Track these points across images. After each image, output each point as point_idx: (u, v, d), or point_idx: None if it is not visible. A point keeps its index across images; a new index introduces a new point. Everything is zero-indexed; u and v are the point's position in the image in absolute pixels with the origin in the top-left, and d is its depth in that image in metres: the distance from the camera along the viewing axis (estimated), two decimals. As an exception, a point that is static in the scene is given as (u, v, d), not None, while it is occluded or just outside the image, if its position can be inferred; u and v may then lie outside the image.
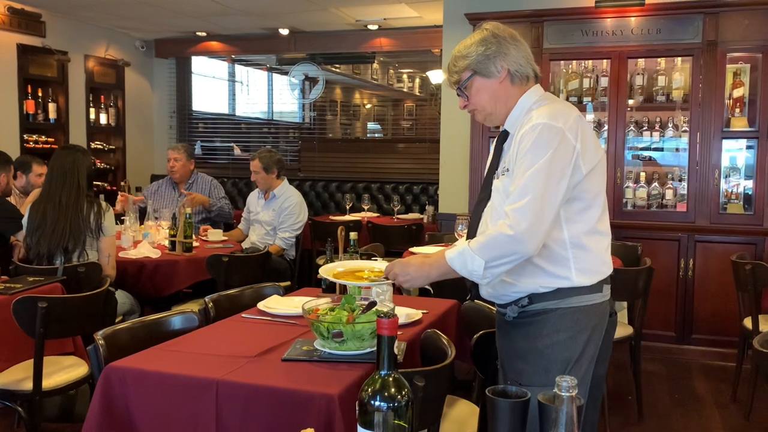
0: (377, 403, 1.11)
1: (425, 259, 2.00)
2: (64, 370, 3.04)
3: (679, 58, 4.94)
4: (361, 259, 2.88)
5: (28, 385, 2.83)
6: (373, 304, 2.13)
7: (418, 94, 10.74)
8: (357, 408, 1.13)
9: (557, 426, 1.01)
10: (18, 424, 3.45)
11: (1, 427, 3.52)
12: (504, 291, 2.00)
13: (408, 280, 1.98)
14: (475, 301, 2.52)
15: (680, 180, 5.01)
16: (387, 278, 2.05)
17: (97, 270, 3.55)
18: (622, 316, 4.09)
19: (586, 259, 1.93)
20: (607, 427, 3.54)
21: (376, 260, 2.65)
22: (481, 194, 2.11)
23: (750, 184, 4.84)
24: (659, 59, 4.98)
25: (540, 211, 1.80)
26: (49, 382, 2.90)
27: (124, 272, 3.89)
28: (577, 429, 1.02)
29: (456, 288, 2.79)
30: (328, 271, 2.32)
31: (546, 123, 1.86)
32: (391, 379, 1.13)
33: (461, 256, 1.86)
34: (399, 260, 2.04)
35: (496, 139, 2.13)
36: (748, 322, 3.93)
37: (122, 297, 3.81)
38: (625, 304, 4.08)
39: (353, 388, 1.83)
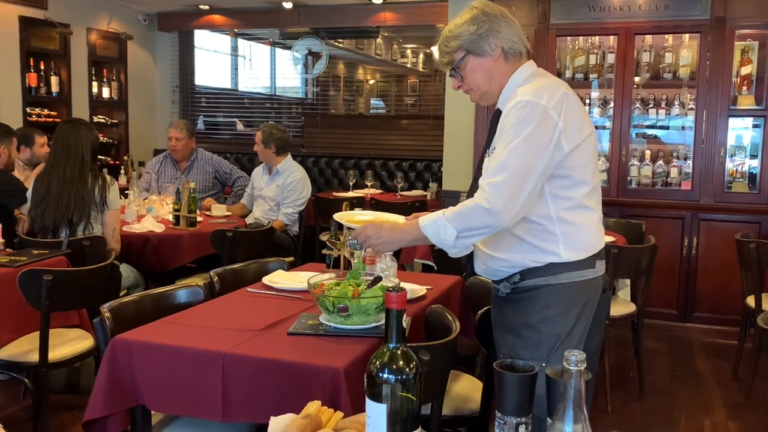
0: (385, 375, 1.11)
1: (399, 224, 2.02)
2: (69, 343, 3.06)
3: (687, 35, 4.89)
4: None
5: (34, 357, 2.86)
6: (378, 279, 2.14)
7: (422, 69, 10.67)
8: (365, 380, 1.13)
9: (565, 400, 1.02)
10: (24, 396, 3.48)
11: (7, 397, 3.56)
12: (495, 266, 2.01)
13: (380, 243, 1.98)
14: (476, 277, 2.52)
15: (685, 158, 4.99)
16: (357, 240, 2.03)
17: (102, 243, 3.55)
18: (625, 293, 4.10)
19: (574, 234, 1.93)
20: (608, 403, 3.56)
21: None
22: (476, 174, 2.12)
23: (755, 163, 4.82)
24: (666, 36, 4.93)
25: (517, 187, 1.80)
26: (54, 354, 2.92)
27: (128, 246, 3.89)
28: (585, 403, 1.03)
29: (460, 264, 2.79)
30: (344, 216, 2.35)
31: (529, 100, 1.86)
32: (399, 352, 1.13)
33: (434, 224, 1.88)
34: (371, 223, 2.03)
35: (490, 119, 2.12)
36: (751, 301, 3.94)
37: (126, 271, 3.82)
38: (628, 281, 4.09)
39: (359, 362, 1.84)
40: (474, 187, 2.07)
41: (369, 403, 1.12)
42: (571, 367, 1.01)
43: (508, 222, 1.82)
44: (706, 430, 3.41)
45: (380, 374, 1.11)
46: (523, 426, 1.12)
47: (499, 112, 2.04)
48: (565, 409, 1.01)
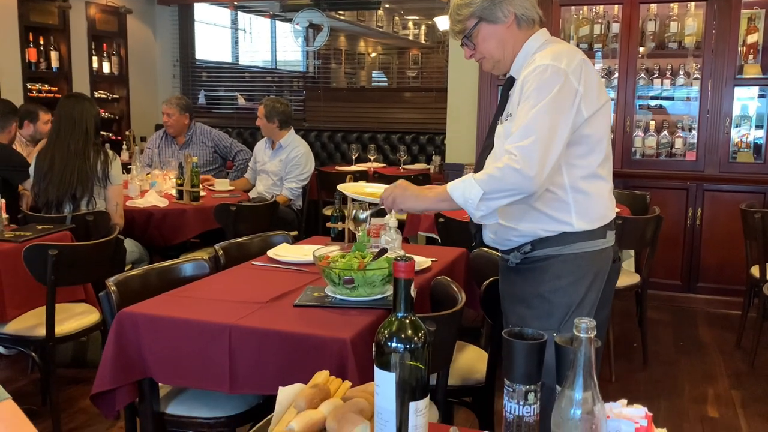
0: (394, 344, 1.11)
1: (426, 187, 2.00)
2: (75, 317, 3.07)
3: (693, 3, 4.84)
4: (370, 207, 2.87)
5: (41, 332, 2.87)
6: (383, 251, 2.14)
7: (424, 42, 10.56)
8: (374, 349, 1.13)
9: (575, 367, 1.01)
10: (32, 370, 3.51)
11: (15, 371, 3.59)
12: (506, 236, 2.00)
13: (405, 197, 1.96)
14: (482, 248, 2.52)
15: (690, 129, 4.95)
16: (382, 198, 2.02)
17: (106, 218, 3.55)
18: (629, 264, 4.11)
19: (587, 203, 1.92)
20: (612, 373, 3.58)
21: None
22: (486, 141, 2.10)
23: (761, 133, 4.79)
24: (672, 4, 4.87)
25: (545, 151, 1.77)
26: (61, 329, 2.93)
27: (132, 221, 3.89)
28: (595, 371, 1.03)
29: (463, 236, 2.78)
30: (351, 187, 2.35)
31: (549, 64, 1.83)
32: (407, 321, 1.13)
33: (462, 184, 1.85)
34: (401, 181, 2.01)
35: (502, 87, 2.10)
36: (755, 271, 3.94)
37: (131, 245, 3.82)
38: (632, 252, 4.09)
39: (365, 333, 1.85)
40: (483, 156, 2.05)
41: (378, 372, 1.12)
42: (582, 334, 1.00)
43: (538, 186, 1.78)
44: (710, 399, 3.43)
45: (389, 343, 1.11)
46: (532, 393, 1.12)
47: (511, 80, 2.02)
48: (575, 377, 1.01)
